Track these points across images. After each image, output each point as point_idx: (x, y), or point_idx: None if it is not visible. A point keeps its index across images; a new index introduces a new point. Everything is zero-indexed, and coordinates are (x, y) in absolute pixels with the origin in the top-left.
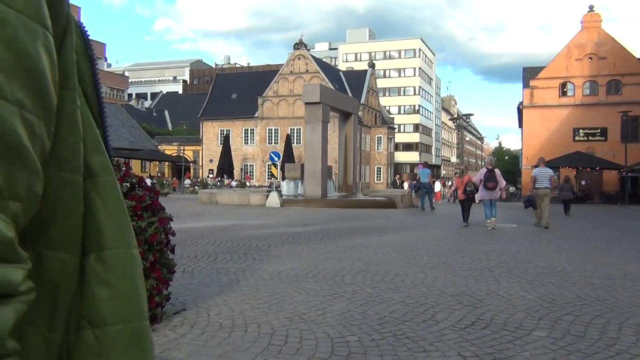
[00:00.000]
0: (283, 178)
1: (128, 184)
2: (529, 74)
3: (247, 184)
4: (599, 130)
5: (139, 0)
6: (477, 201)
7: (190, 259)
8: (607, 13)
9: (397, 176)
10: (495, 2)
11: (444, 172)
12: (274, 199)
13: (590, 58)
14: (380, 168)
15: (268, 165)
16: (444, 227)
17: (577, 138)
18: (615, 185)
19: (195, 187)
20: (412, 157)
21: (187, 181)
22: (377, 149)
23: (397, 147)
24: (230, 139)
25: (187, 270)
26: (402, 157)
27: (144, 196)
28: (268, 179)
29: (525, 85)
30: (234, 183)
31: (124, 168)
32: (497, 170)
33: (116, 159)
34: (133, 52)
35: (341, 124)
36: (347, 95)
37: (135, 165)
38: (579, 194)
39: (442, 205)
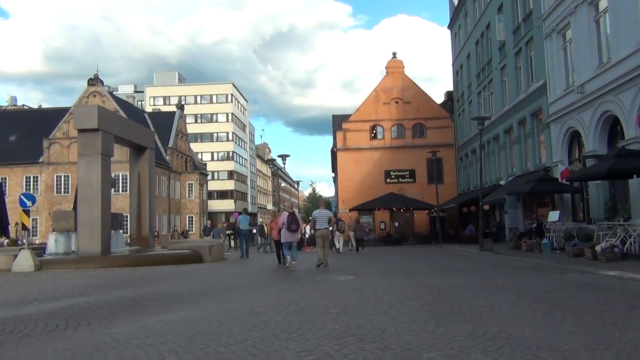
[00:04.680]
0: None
1: None
2: (338, 121)
3: (23, 241)
4: (407, 172)
5: None
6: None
7: None
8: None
9: (209, 222)
10: (303, 59)
11: (260, 219)
12: (24, 261)
13: (397, 102)
14: (192, 217)
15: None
16: (262, 286)
17: (388, 180)
18: (425, 226)
19: None
20: (228, 205)
21: None
22: (189, 197)
23: (211, 195)
24: (7, 188)
25: None
26: (216, 205)
27: None
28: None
29: (338, 129)
30: (6, 242)
31: None
32: (297, 213)
33: None
34: None
35: (133, 161)
36: (140, 124)
37: None
38: (394, 234)
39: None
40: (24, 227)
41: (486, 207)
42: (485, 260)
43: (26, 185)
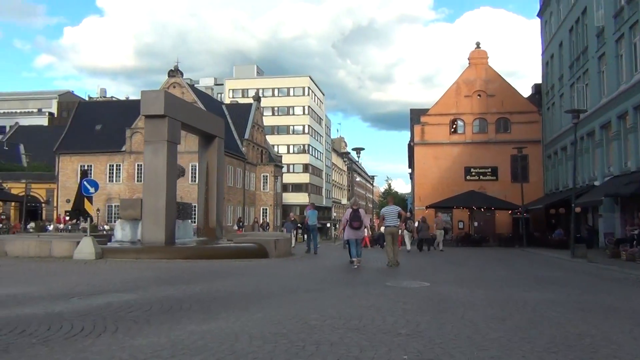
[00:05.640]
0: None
1: None
2: (416, 115)
3: (106, 227)
4: (489, 169)
5: (17, 33)
6: (344, 239)
7: None
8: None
9: (291, 214)
10: (382, 53)
11: (335, 214)
12: (85, 248)
13: (479, 95)
14: (266, 209)
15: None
16: (323, 290)
17: (469, 177)
18: (507, 227)
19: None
20: (302, 198)
21: (32, 224)
22: (264, 189)
23: (286, 187)
24: (92, 175)
25: None
26: (291, 198)
27: None
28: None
29: (416, 123)
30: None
31: None
32: (361, 210)
33: None
34: (10, 89)
35: (201, 150)
36: (209, 112)
37: None
38: (449, 233)
39: (326, 249)
40: (87, 214)
41: (577, 209)
42: (580, 270)
43: (109, 173)
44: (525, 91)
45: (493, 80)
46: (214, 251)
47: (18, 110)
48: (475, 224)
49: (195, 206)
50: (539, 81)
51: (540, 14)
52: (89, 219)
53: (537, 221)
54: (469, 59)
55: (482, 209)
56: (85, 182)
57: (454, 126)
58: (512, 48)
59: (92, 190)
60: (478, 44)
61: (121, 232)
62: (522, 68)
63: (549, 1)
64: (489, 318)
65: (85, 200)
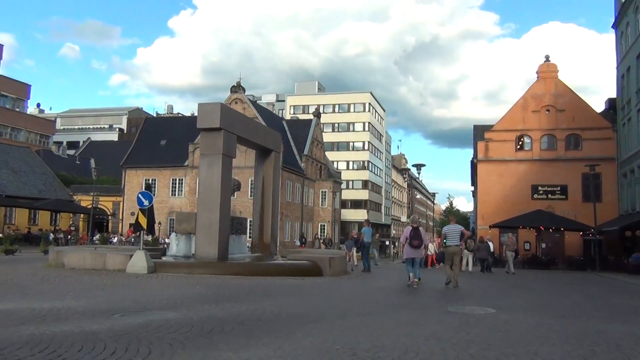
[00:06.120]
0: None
1: None
2: (480, 131)
3: (167, 240)
4: (558, 188)
5: (95, 54)
6: (403, 258)
7: None
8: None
9: (354, 232)
10: (445, 70)
11: (394, 231)
12: (138, 262)
13: (548, 110)
14: (324, 225)
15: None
16: (378, 313)
17: (536, 196)
18: (578, 249)
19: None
20: (361, 215)
21: (98, 236)
22: (322, 205)
23: (344, 204)
24: (156, 189)
25: None
26: (350, 214)
27: None
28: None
29: (479, 139)
30: (149, 239)
31: None
32: (421, 229)
33: None
34: (86, 106)
35: (258, 164)
36: (266, 126)
37: (44, 217)
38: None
39: (384, 268)
40: (140, 227)
41: None
42: None
43: (172, 187)
44: (598, 107)
45: (563, 94)
46: (266, 268)
47: (91, 126)
48: (543, 245)
49: (250, 221)
50: (613, 96)
51: (615, 25)
52: (143, 232)
53: (611, 244)
54: (537, 72)
55: (551, 230)
56: (139, 195)
57: (520, 142)
58: (582, 63)
59: (145, 202)
60: (547, 57)
61: (176, 246)
62: (594, 84)
63: (625, 12)
64: (567, 356)
65: (139, 213)
